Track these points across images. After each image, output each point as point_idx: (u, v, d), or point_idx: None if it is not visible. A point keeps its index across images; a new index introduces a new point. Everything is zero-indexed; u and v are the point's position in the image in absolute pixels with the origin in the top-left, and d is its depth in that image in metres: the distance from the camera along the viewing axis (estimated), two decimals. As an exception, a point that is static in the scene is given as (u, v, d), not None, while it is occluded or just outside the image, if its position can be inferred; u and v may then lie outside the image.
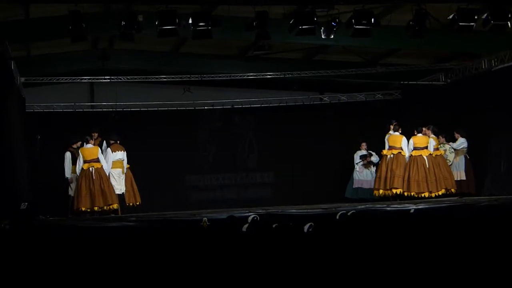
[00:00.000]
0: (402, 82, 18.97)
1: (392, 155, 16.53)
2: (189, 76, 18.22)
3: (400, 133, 16.69)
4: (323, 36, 14.57)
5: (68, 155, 15.97)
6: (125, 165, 16.22)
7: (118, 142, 16.19)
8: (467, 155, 16.79)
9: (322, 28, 14.40)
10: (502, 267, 5.18)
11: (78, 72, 18.41)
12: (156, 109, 19.03)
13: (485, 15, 13.52)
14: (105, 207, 15.50)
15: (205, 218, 9.99)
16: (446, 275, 5.07)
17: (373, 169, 17.82)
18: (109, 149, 16.02)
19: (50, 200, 15.80)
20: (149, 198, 17.29)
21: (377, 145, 17.31)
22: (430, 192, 16.21)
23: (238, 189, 19.64)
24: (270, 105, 19.47)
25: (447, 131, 17.03)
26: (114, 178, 15.91)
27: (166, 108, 19.02)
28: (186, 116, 19.19)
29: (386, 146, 16.76)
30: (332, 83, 20.04)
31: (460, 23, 13.57)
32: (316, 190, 18.68)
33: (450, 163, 16.76)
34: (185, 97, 18.80)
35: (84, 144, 15.74)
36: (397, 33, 15.47)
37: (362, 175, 17.97)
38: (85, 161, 15.53)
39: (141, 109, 18.96)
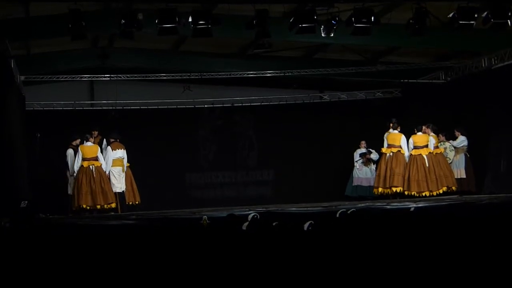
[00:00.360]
0: (402, 80, 18.97)
1: (391, 154, 16.54)
2: (189, 74, 18.23)
3: (399, 131, 16.68)
4: (323, 35, 14.57)
5: (70, 152, 15.97)
6: (125, 163, 16.22)
7: (118, 140, 16.19)
8: (467, 153, 16.79)
9: (322, 26, 14.40)
10: (502, 266, 5.18)
11: (78, 70, 18.41)
12: (156, 107, 19.03)
13: (485, 13, 13.51)
14: (105, 206, 15.51)
15: (205, 216, 9.99)
16: (446, 273, 5.07)
17: (373, 166, 17.82)
18: (109, 147, 16.03)
19: (50, 198, 15.83)
20: (149, 196, 17.29)
21: (377, 143, 17.31)
22: (431, 191, 16.20)
23: (238, 187, 19.64)
24: (270, 103, 19.47)
25: (447, 129, 17.02)
26: (114, 177, 15.91)
27: (166, 107, 19.02)
28: (186, 115, 19.19)
29: (385, 144, 16.76)
30: (332, 82, 20.03)
31: (460, 22, 13.57)
32: (316, 188, 18.68)
33: (450, 161, 16.76)
34: (185, 96, 18.78)
35: (84, 142, 15.75)
36: (397, 31, 15.47)
37: (362, 173, 17.98)
38: (84, 159, 15.56)
39: (141, 107, 18.96)
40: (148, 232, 8.91)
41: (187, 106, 19.15)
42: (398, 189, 16.37)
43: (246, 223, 8.54)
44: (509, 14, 13.46)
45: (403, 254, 5.81)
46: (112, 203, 15.58)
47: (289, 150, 19.27)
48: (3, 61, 13.84)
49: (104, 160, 15.83)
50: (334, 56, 18.92)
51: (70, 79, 18.17)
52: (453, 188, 16.38)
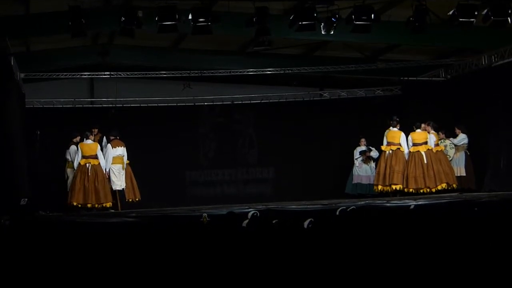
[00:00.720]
0: (402, 78, 18.95)
1: (391, 151, 16.53)
2: (189, 72, 18.22)
3: (399, 129, 16.67)
4: (323, 32, 14.58)
5: (73, 148, 15.95)
6: (125, 161, 16.21)
7: (118, 138, 16.18)
8: (467, 151, 16.79)
9: (322, 24, 14.40)
10: (501, 263, 5.18)
11: (78, 67, 18.42)
12: (156, 105, 19.02)
13: (485, 10, 13.52)
14: (96, 205, 15.47)
15: (205, 214, 9.99)
16: (446, 271, 5.07)
17: (373, 164, 17.81)
18: (109, 145, 16.02)
19: (50, 195, 15.84)
20: (149, 194, 17.28)
21: (377, 141, 17.30)
22: (429, 188, 16.20)
23: (238, 185, 19.63)
24: (270, 101, 19.47)
25: (447, 127, 17.02)
26: (114, 174, 15.91)
27: (166, 104, 19.01)
28: (186, 112, 19.18)
29: (385, 142, 16.75)
30: (332, 79, 20.05)
31: (460, 19, 13.57)
32: (316, 186, 18.67)
33: (450, 158, 16.75)
34: (185, 93, 18.78)
35: (84, 139, 15.74)
36: (397, 28, 15.48)
37: (361, 170, 17.97)
38: (83, 157, 15.54)
39: (141, 105, 18.96)
40: (148, 230, 8.91)
41: (187, 104, 19.14)
42: (398, 187, 16.37)
43: (246, 221, 8.54)
44: (509, 11, 13.47)
45: (403, 251, 5.81)
46: (104, 203, 15.50)
47: (289, 148, 19.26)
48: (3, 58, 13.84)
49: (104, 157, 15.81)
50: (334, 53, 18.93)
51: (70, 76, 18.17)
52: (454, 185, 16.37)
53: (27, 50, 17.47)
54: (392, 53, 18.81)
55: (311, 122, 19.34)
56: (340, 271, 5.24)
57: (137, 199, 16.56)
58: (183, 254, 5.98)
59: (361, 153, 17.98)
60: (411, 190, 16.23)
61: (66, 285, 5.15)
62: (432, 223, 7.98)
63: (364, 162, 17.95)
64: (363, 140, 18.13)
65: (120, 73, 18.13)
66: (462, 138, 16.76)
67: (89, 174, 15.46)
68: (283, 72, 18.44)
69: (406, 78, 18.88)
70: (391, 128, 16.74)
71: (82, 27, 13.45)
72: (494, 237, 6.24)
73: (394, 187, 16.39)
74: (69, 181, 15.97)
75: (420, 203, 12.17)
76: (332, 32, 14.54)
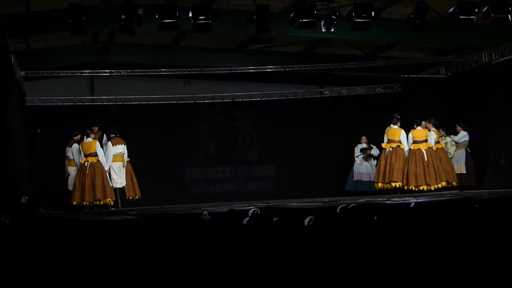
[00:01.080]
0: (402, 75, 18.94)
1: (391, 149, 16.52)
2: (189, 69, 18.23)
3: (399, 126, 16.66)
4: (323, 29, 14.57)
5: (76, 146, 15.93)
6: (126, 158, 16.21)
7: (119, 135, 16.18)
8: (468, 149, 16.78)
9: (323, 21, 14.40)
10: (502, 261, 5.18)
11: (78, 65, 18.41)
12: (157, 102, 19.01)
13: (486, 8, 13.50)
14: (94, 202, 15.46)
15: (206, 212, 10.00)
16: (446, 268, 5.07)
17: (373, 162, 17.81)
18: (109, 142, 16.02)
19: (50, 193, 15.83)
20: (150, 191, 17.29)
21: (378, 138, 17.29)
22: (429, 185, 16.19)
23: (239, 182, 19.64)
24: (271, 98, 19.45)
25: (447, 124, 17.01)
26: (115, 172, 15.90)
27: (167, 102, 19.00)
28: (186, 110, 19.18)
29: (385, 140, 16.74)
30: (332, 77, 20.05)
31: (461, 16, 13.56)
32: (316, 184, 18.67)
33: (451, 156, 16.74)
34: (185, 91, 18.79)
35: (85, 138, 15.73)
36: (397, 26, 15.47)
37: (362, 168, 17.97)
38: (84, 155, 15.55)
39: (141, 102, 18.94)
40: (148, 228, 8.91)
41: (187, 101, 19.14)
42: (398, 184, 16.35)
43: (247, 219, 8.54)
44: (510, 9, 13.45)
45: (403, 249, 5.81)
46: (101, 199, 15.47)
47: (289, 145, 19.27)
48: (3, 56, 13.84)
49: (105, 155, 15.80)
50: (334, 51, 18.92)
51: (70, 74, 18.16)
52: (454, 183, 16.37)
53: (28, 48, 17.47)
54: (393, 51, 18.80)
55: (311, 119, 19.33)
56: (340, 268, 5.25)
57: (137, 197, 16.55)
58: (184, 252, 5.99)
59: (362, 150, 17.97)
60: (411, 187, 16.23)
61: (67, 283, 5.16)
62: (433, 220, 7.98)
63: (365, 160, 17.95)
64: (363, 137, 18.12)
65: (120, 71, 18.13)
66: (462, 136, 16.75)
67: (87, 171, 15.46)
68: (283, 69, 18.45)
69: (406, 76, 18.87)
70: (391, 125, 16.72)
71: (82, 25, 13.44)
72: (495, 235, 6.24)
73: (394, 184, 16.37)
74: (70, 179, 15.96)
75: (420, 200, 12.17)
76: (332, 30, 14.53)
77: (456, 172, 16.56)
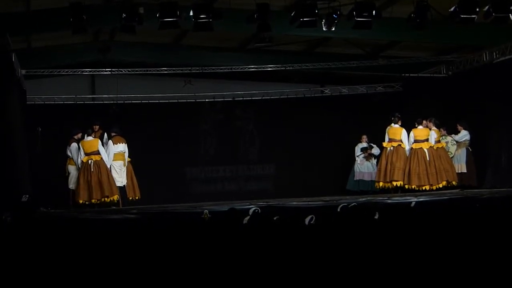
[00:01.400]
0: (403, 75, 18.95)
1: (392, 148, 16.51)
2: (190, 68, 18.24)
3: (400, 125, 16.66)
4: (324, 28, 14.56)
5: (74, 145, 15.93)
6: (127, 157, 16.21)
7: (119, 134, 16.17)
8: (469, 148, 16.77)
9: (323, 20, 14.39)
10: (503, 260, 5.18)
11: (79, 64, 18.42)
12: (157, 101, 19.02)
13: (487, 7, 13.49)
14: (102, 199, 15.47)
15: (206, 211, 10.00)
16: (447, 267, 5.07)
17: (374, 161, 17.82)
18: (110, 141, 16.02)
19: (51, 192, 15.84)
20: (150, 190, 17.30)
21: (378, 138, 17.30)
22: (431, 185, 16.19)
23: (239, 181, 19.64)
24: (271, 97, 19.44)
25: (448, 123, 17.01)
26: (116, 171, 15.90)
27: (167, 101, 19.00)
28: (187, 109, 19.18)
29: (386, 139, 16.73)
30: (333, 76, 20.05)
31: (462, 15, 13.54)
32: (317, 183, 18.68)
33: (452, 155, 16.74)
34: (186, 90, 18.79)
35: (85, 136, 15.73)
36: (398, 25, 15.46)
37: (363, 167, 17.97)
38: (85, 154, 15.54)
39: (142, 101, 18.96)
40: (149, 226, 8.91)
41: (188, 100, 19.15)
42: (399, 183, 16.34)
43: (247, 218, 8.54)
44: (511, 8, 13.43)
45: (404, 248, 5.81)
46: (110, 196, 15.50)
47: (290, 144, 19.27)
48: (4, 55, 13.82)
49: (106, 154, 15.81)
50: (335, 50, 18.92)
51: (71, 73, 18.18)
52: (454, 182, 16.36)
53: (28, 47, 17.46)
54: (393, 50, 18.79)
55: (312, 118, 19.33)
56: (341, 267, 5.25)
57: (137, 198, 16.55)
58: (184, 251, 5.99)
59: (363, 150, 17.97)
60: (413, 187, 16.22)
61: (67, 282, 5.16)
62: (433, 219, 7.98)
63: (366, 159, 17.95)
64: (364, 136, 18.12)
65: (121, 69, 18.13)
66: (463, 135, 16.75)
67: (92, 169, 15.47)
68: (284, 68, 18.45)
69: (407, 75, 18.87)
70: (392, 124, 16.72)
71: (83, 24, 13.44)
72: (495, 234, 6.24)
73: (394, 183, 16.37)
74: (70, 177, 15.96)
75: (421, 199, 12.17)
76: (333, 29, 14.52)
77: (457, 172, 16.56)
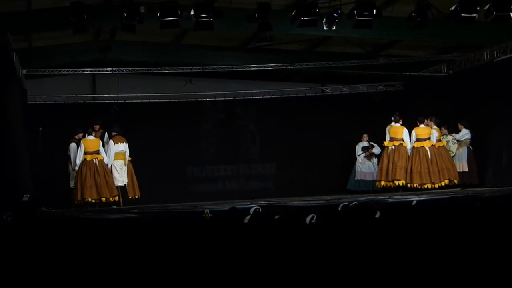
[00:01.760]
0: (404, 74, 18.95)
1: (393, 147, 16.51)
2: (191, 67, 18.23)
3: (401, 124, 16.66)
4: (325, 28, 14.55)
5: (73, 145, 15.95)
6: (127, 156, 16.22)
7: (120, 133, 16.18)
8: (470, 147, 16.77)
9: (324, 19, 14.38)
10: (503, 259, 5.18)
11: (80, 63, 18.42)
12: (158, 100, 19.03)
13: (488, 6, 13.48)
14: (110, 198, 15.57)
15: (207, 210, 10.00)
16: (448, 266, 5.07)
17: (375, 160, 17.81)
18: (111, 140, 16.04)
19: (52, 191, 15.84)
20: (151, 189, 17.30)
21: (379, 137, 17.30)
22: (433, 184, 16.19)
23: (240, 180, 19.64)
24: (272, 96, 19.44)
25: (449, 122, 17.01)
26: (117, 170, 15.92)
27: (168, 100, 19.01)
28: (187, 108, 19.18)
29: (387, 138, 16.73)
30: (334, 75, 20.03)
31: (462, 14, 13.53)
32: (318, 182, 18.68)
33: (453, 154, 16.74)
34: (187, 89, 18.77)
35: (86, 135, 15.74)
36: (399, 24, 15.46)
37: (365, 167, 17.96)
38: (87, 153, 15.56)
39: (143, 100, 18.96)
40: (150, 226, 8.91)
41: (188, 100, 19.15)
42: (401, 182, 16.35)
43: (248, 217, 8.54)
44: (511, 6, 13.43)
45: (404, 247, 5.81)
46: (116, 195, 15.63)
47: (291, 144, 19.27)
48: (4, 54, 13.82)
49: (107, 153, 15.83)
50: (336, 49, 18.92)
51: (72, 72, 18.17)
52: (455, 181, 16.36)
53: (29, 46, 17.46)
54: (394, 49, 18.79)
55: (313, 117, 19.33)
56: (342, 266, 5.25)
57: (136, 197, 16.57)
58: (185, 250, 5.99)
59: (363, 149, 17.96)
60: (415, 185, 16.22)
61: (68, 281, 5.16)
62: (434, 218, 7.98)
63: (367, 159, 17.94)
64: (365, 135, 18.12)
65: (122, 69, 18.13)
66: (464, 134, 16.75)
67: (98, 169, 15.53)
68: (285, 68, 18.44)
69: (408, 74, 18.88)
70: (392, 123, 16.72)
71: (84, 23, 13.43)
72: (496, 233, 6.24)
73: (397, 182, 16.37)
74: (72, 177, 15.97)
75: (422, 198, 12.16)
76: (334, 28, 14.51)
77: (458, 170, 16.56)
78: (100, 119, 16.65)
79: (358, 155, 18.03)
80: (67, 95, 18.46)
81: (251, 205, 10.67)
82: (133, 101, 18.85)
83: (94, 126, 16.14)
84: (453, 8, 13.69)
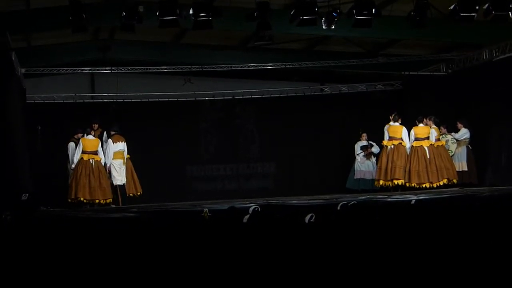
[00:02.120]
0: (403, 73, 18.94)
1: (392, 146, 16.51)
2: (190, 66, 18.23)
3: (400, 124, 16.66)
4: (324, 27, 14.56)
5: (72, 144, 15.96)
6: (126, 155, 16.22)
7: (119, 133, 16.18)
8: (469, 146, 16.77)
9: (323, 18, 14.39)
10: (502, 258, 5.18)
11: (79, 62, 18.43)
12: (157, 100, 19.02)
13: (486, 5, 13.48)
14: (102, 201, 15.54)
15: (206, 209, 9.98)
16: (447, 265, 5.07)
17: (374, 159, 17.81)
18: (110, 140, 16.03)
19: (51, 191, 15.84)
20: (150, 189, 17.28)
21: (378, 136, 17.30)
22: (431, 183, 16.19)
23: (239, 179, 19.63)
24: (271, 96, 19.43)
25: (448, 121, 17.01)
26: (115, 169, 15.92)
27: (167, 99, 18.99)
28: (187, 107, 19.17)
29: (386, 137, 16.73)
30: (333, 74, 20.05)
31: (461, 13, 13.54)
32: (317, 181, 18.69)
33: (452, 153, 16.74)
34: (186, 88, 18.78)
35: (85, 135, 15.74)
36: (398, 23, 15.48)
37: (364, 166, 17.95)
38: (84, 152, 15.56)
39: (142, 100, 18.96)
40: (149, 225, 8.91)
41: (188, 99, 19.14)
42: (400, 182, 16.34)
43: (247, 216, 8.54)
44: (510, 6, 13.43)
45: (404, 246, 5.81)
46: (108, 198, 15.61)
47: (290, 143, 19.26)
48: (3, 53, 13.82)
49: (105, 153, 15.83)
50: (335, 48, 18.93)
51: (70, 71, 18.17)
52: (454, 180, 16.37)
53: (28, 45, 17.47)
54: (393, 48, 18.80)
55: (312, 117, 19.32)
56: (341, 265, 5.25)
57: (138, 193, 16.58)
58: (184, 249, 5.99)
59: (362, 148, 17.96)
60: (413, 185, 16.22)
61: (67, 280, 5.16)
62: (433, 217, 7.98)
63: (365, 158, 17.94)
64: (364, 134, 18.12)
65: (121, 68, 18.13)
66: (463, 133, 16.75)
67: (94, 170, 15.51)
68: (284, 67, 18.44)
69: (407, 73, 18.87)
70: (391, 122, 16.72)
71: (83, 22, 13.43)
72: (495, 232, 6.24)
73: (396, 182, 16.37)
74: (70, 175, 15.97)
75: (421, 197, 12.15)
76: (333, 27, 14.52)
77: (458, 170, 16.56)
78: (99, 118, 16.64)
79: (357, 154, 18.03)
80: (66, 94, 18.45)
81: (250, 204, 10.66)
82: (132, 100, 18.85)
83: (93, 125, 16.13)
84: (452, 7, 13.70)
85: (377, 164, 17.27)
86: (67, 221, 10.77)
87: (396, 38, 17.87)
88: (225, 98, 19.57)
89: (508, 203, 10.21)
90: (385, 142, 16.73)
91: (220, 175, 19.57)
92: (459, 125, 16.81)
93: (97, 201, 15.52)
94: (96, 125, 16.26)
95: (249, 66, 18.35)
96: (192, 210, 11.99)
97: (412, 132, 16.48)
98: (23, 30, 15.60)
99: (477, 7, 13.49)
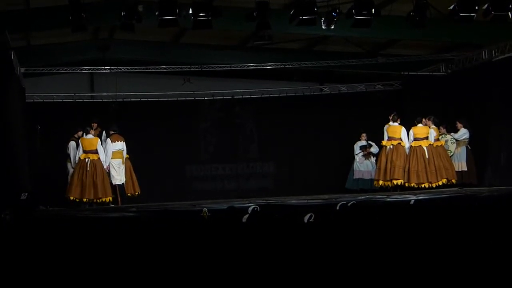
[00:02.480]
0: (402, 73, 18.95)
1: (391, 146, 16.51)
2: (189, 66, 18.22)
3: (399, 124, 16.66)
4: (323, 27, 14.55)
5: (73, 144, 15.97)
6: (125, 155, 16.22)
7: (118, 132, 16.18)
8: (468, 146, 16.78)
9: (323, 18, 14.38)
10: (501, 258, 5.18)
11: (78, 62, 18.42)
12: (156, 99, 19.01)
13: (486, 5, 13.48)
14: (95, 200, 15.49)
15: (205, 209, 9.98)
16: (446, 265, 5.07)
17: (373, 159, 17.82)
18: (109, 139, 16.03)
19: (50, 190, 15.83)
20: (149, 188, 17.29)
21: (378, 136, 17.30)
22: (430, 183, 16.19)
23: (239, 179, 19.63)
24: (271, 95, 19.44)
25: (448, 121, 17.02)
26: (114, 169, 15.91)
27: (166, 99, 18.99)
28: (186, 107, 19.17)
29: (385, 137, 16.74)
30: (332, 74, 20.04)
31: (461, 14, 13.54)
32: (316, 181, 18.69)
33: (452, 153, 16.74)
34: (185, 88, 18.78)
35: (84, 134, 15.74)
36: (397, 23, 15.46)
37: (363, 166, 17.96)
38: (84, 151, 15.55)
39: (141, 99, 18.95)
40: (148, 225, 8.91)
41: (187, 98, 19.13)
42: (399, 182, 16.35)
43: (246, 216, 8.54)
44: (510, 6, 13.43)
45: (403, 246, 5.81)
46: (103, 197, 15.54)
47: (289, 143, 19.27)
48: (3, 52, 13.81)
49: (104, 152, 15.82)
50: (334, 48, 18.92)
51: (70, 71, 18.17)
52: (453, 180, 16.37)
53: (28, 45, 17.46)
54: (393, 48, 18.79)
55: (311, 117, 19.33)
56: (340, 265, 5.25)
57: (136, 193, 16.58)
58: (184, 249, 5.99)
59: (361, 148, 17.96)
60: (412, 184, 16.23)
61: (66, 280, 5.16)
62: (432, 217, 7.98)
63: (365, 158, 17.94)
64: (363, 134, 18.12)
65: (120, 67, 18.12)
66: (463, 133, 16.75)
67: (88, 168, 15.48)
68: (283, 66, 18.43)
69: (406, 73, 18.88)
70: (390, 122, 16.72)
71: (82, 22, 13.43)
72: (494, 232, 6.24)
73: (395, 182, 16.37)
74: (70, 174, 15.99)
75: (420, 197, 12.16)
76: (332, 27, 14.51)
77: (457, 170, 16.56)
78: (98, 117, 16.64)
79: (356, 154, 18.03)
80: (66, 93, 18.46)
81: (250, 204, 10.66)
82: (132, 99, 18.85)
83: (92, 124, 16.12)
84: (451, 7, 13.69)
85: (376, 164, 17.28)
86: (66, 220, 10.77)
87: (395, 38, 17.86)
88: (224, 98, 19.58)
89: (508, 203, 10.21)
90: (384, 142, 16.74)
91: (219, 174, 19.57)
92: (459, 125, 16.81)
93: (85, 199, 15.43)
94: (95, 124, 16.26)
95: (248, 66, 18.35)
96: (191, 209, 11.99)
97: (411, 132, 16.49)
98: (22, 29, 15.60)
99: (476, 7, 13.48)
